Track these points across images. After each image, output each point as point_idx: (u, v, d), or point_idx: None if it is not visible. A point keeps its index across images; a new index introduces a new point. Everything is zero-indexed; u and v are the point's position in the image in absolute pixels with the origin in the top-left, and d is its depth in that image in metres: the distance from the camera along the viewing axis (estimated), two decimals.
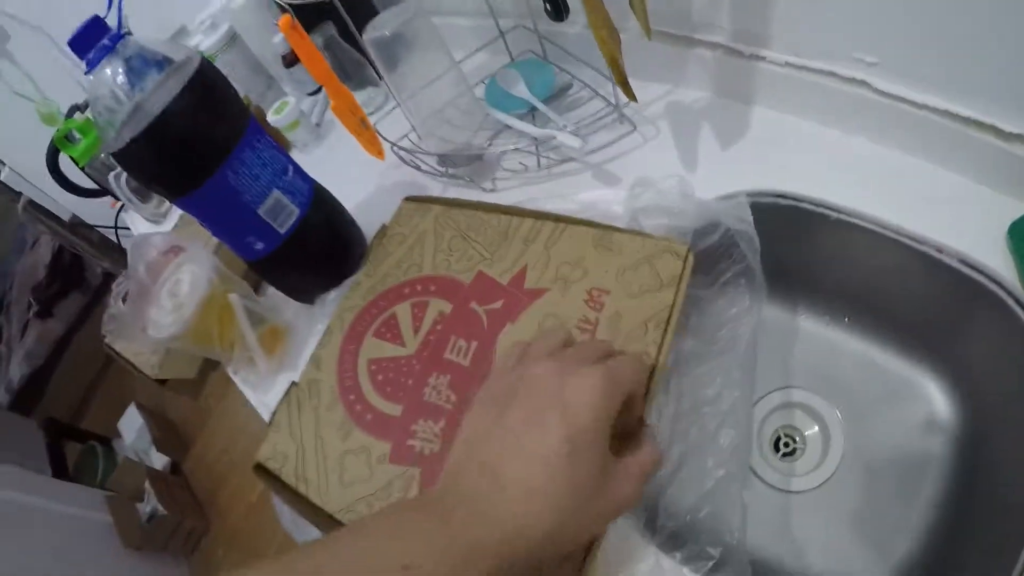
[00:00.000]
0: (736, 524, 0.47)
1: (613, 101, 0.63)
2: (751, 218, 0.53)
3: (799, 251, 0.62)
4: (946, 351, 0.60)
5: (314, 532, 0.55)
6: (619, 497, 0.33)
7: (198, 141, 0.51)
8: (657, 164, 0.62)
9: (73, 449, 2.04)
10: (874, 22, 0.48)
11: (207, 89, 0.52)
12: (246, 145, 0.54)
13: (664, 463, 0.49)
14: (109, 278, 2.32)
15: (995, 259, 0.49)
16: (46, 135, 1.04)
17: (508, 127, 0.68)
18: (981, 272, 0.50)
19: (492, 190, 0.68)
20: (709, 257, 0.53)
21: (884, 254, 0.56)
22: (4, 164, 1.42)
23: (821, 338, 0.68)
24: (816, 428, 0.66)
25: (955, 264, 0.51)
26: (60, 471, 1.95)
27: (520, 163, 0.67)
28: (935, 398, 0.61)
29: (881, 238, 0.55)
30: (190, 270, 0.65)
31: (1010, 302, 0.49)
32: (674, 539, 0.47)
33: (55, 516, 1.59)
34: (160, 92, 0.49)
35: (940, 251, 0.52)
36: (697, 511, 0.48)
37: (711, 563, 0.46)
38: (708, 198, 0.56)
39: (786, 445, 0.66)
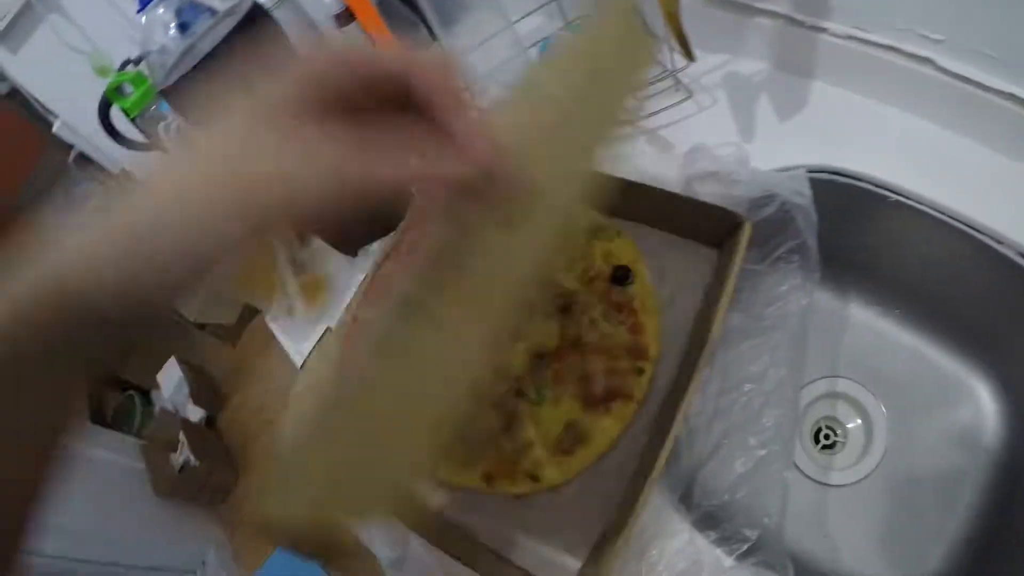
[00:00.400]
0: (775, 508, 0.45)
1: (669, 67, 0.60)
2: (810, 192, 0.51)
3: (853, 233, 0.60)
4: (1001, 353, 0.58)
5: None
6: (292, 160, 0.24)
7: None
8: (712, 133, 0.59)
9: (113, 398, 2.12)
10: None
11: (258, 31, 0.52)
12: None
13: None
14: None
15: None
16: (98, 89, 1.06)
17: None
18: None
19: None
20: (762, 230, 0.51)
21: (940, 241, 0.53)
22: (58, 117, 1.45)
23: (871, 328, 0.66)
24: (859, 422, 0.63)
25: (1014, 256, 0.49)
26: (99, 418, 2.03)
27: None
28: (984, 402, 0.58)
29: (938, 224, 0.52)
30: None
31: None
32: (709, 518, 0.46)
33: (90, 460, 1.65)
34: (211, 34, 0.50)
35: (1000, 242, 0.49)
36: (735, 491, 0.46)
37: (747, 545, 0.44)
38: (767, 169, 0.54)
39: (826, 437, 0.64)
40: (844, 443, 0.63)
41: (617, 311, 0.49)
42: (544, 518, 0.46)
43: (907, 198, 0.53)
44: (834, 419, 0.64)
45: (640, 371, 0.47)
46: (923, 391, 0.61)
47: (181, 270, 0.24)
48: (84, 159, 1.56)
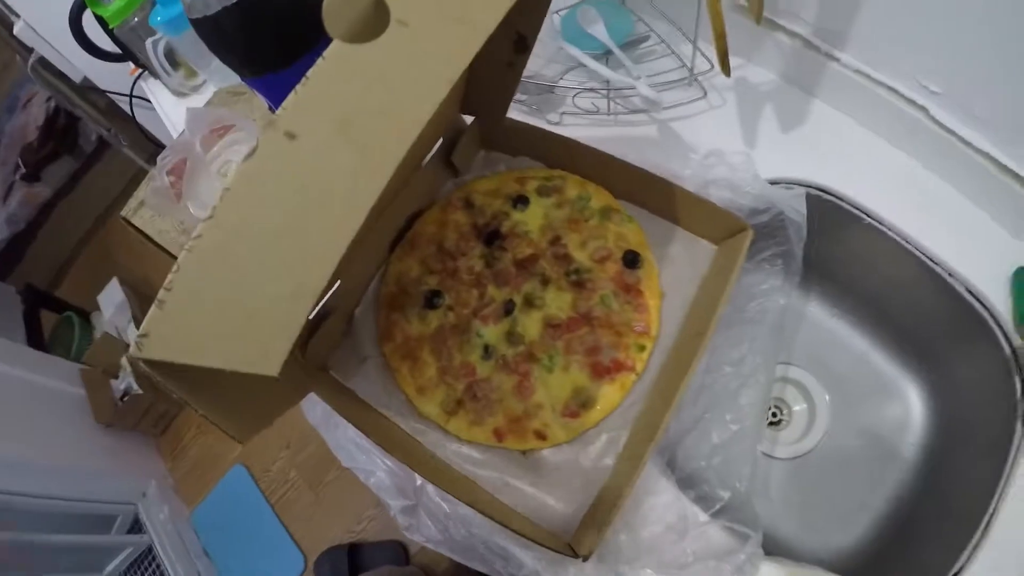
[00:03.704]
0: (746, 475, 0.52)
1: (689, 65, 0.64)
2: (805, 210, 0.57)
3: (825, 243, 0.65)
4: (934, 366, 0.66)
5: (344, 431, 0.58)
6: None
7: (297, 21, 0.50)
8: (718, 134, 0.64)
9: (49, 319, 2.02)
10: (948, 55, 0.51)
11: None
12: None
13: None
14: (103, 146, 2.24)
15: (997, 295, 0.54)
16: None
17: (580, 65, 0.68)
18: (982, 303, 0.55)
19: (558, 124, 0.69)
20: (754, 234, 0.56)
21: (901, 264, 0.60)
22: (19, 17, 1.34)
23: (825, 326, 0.74)
24: (805, 405, 0.71)
25: (961, 290, 0.56)
26: (35, 340, 1.93)
27: (592, 104, 0.68)
28: (913, 402, 0.67)
29: (902, 250, 0.59)
30: (242, 152, 0.64)
31: (1000, 337, 0.54)
32: (689, 480, 0.52)
33: (27, 385, 1.58)
34: None
35: (951, 275, 0.57)
36: (711, 458, 0.52)
37: (719, 504, 0.50)
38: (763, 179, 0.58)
39: (774, 415, 0.72)
40: (789, 422, 0.71)
41: (625, 291, 0.54)
42: (547, 472, 0.51)
43: (880, 223, 0.60)
44: (783, 400, 0.72)
45: (642, 347, 0.52)
46: (863, 386, 0.70)
47: None
48: (44, 65, 1.45)
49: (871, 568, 0.60)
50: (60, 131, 2.19)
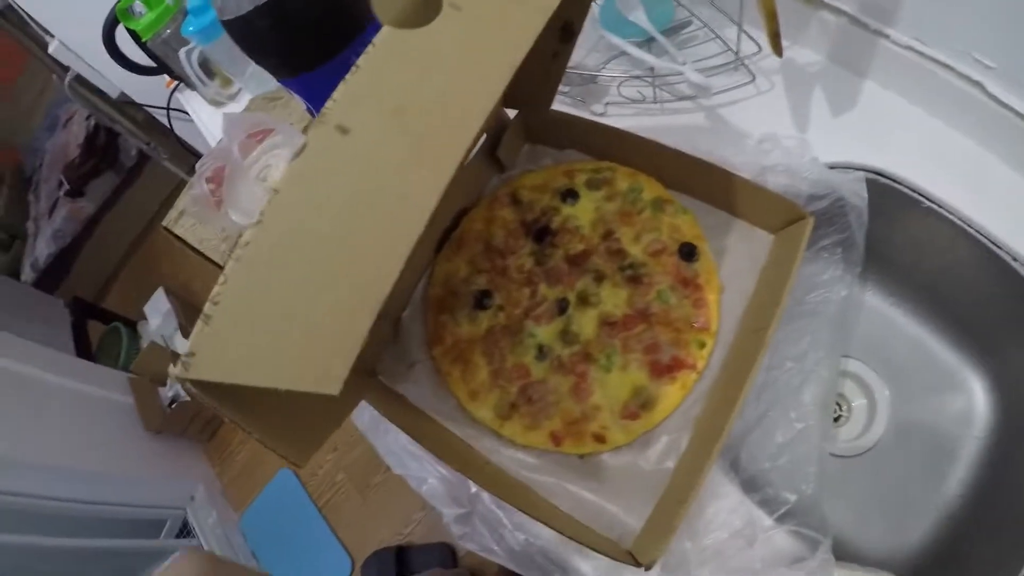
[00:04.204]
0: (812, 474, 0.49)
1: (735, 48, 0.61)
2: (866, 195, 0.54)
3: (882, 229, 0.62)
4: (996, 355, 0.63)
5: (394, 437, 0.57)
6: None
7: (331, 16, 0.49)
8: (768, 119, 0.62)
9: (97, 330, 2.08)
10: (1002, 28, 0.48)
11: None
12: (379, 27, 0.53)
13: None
14: (144, 160, 2.30)
15: None
16: (100, 9, 1.01)
17: (622, 53, 0.66)
18: None
19: (603, 114, 0.67)
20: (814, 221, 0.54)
21: (960, 249, 0.57)
22: (54, 37, 1.37)
23: (884, 316, 0.70)
24: (864, 400, 0.68)
25: None
26: (84, 351, 1.99)
27: (639, 92, 0.66)
28: (976, 395, 0.64)
29: (962, 233, 0.56)
30: (283, 156, 0.64)
31: None
32: (752, 482, 0.50)
33: (77, 395, 1.62)
34: None
35: (1015, 259, 0.54)
36: (776, 458, 0.50)
37: (785, 508, 0.48)
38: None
39: (834, 411, 0.69)
40: (849, 418, 0.68)
41: (683, 285, 0.52)
42: (606, 476, 0.49)
43: (939, 205, 0.57)
44: (842, 395, 0.69)
45: (702, 344, 0.50)
46: (923, 378, 0.66)
47: None
48: (81, 82, 1.49)
49: (935, 569, 0.58)
50: (101, 148, 2.25)
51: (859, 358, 0.69)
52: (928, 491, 0.62)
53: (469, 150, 0.54)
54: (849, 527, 0.62)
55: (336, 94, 0.27)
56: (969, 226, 0.55)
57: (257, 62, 0.56)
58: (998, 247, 0.54)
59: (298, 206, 0.26)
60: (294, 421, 0.34)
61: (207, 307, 0.26)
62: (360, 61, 0.27)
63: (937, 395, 0.65)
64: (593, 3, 0.69)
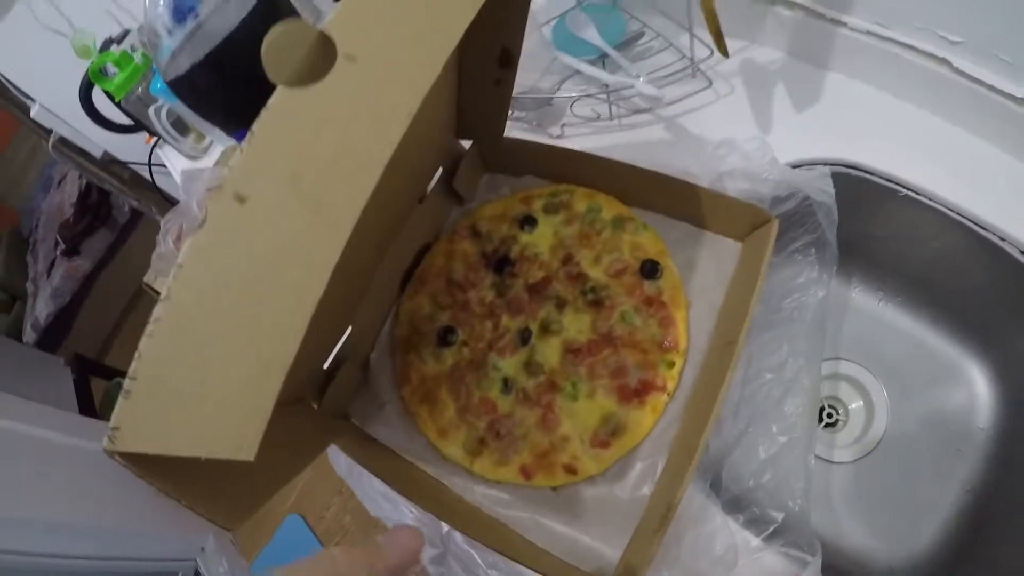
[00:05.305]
0: (799, 491, 0.47)
1: (689, 55, 0.61)
2: (833, 190, 0.52)
3: (861, 223, 0.62)
4: (995, 341, 0.61)
5: (368, 481, 0.56)
6: None
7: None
8: (730, 123, 0.61)
9: (100, 386, 2.08)
10: (963, 1, 0.47)
11: (276, 11, 0.50)
12: None
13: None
14: (137, 216, 2.32)
15: None
16: (77, 71, 1.02)
17: (576, 72, 0.65)
18: None
19: (560, 136, 0.66)
20: (781, 224, 0.53)
21: (946, 236, 0.56)
22: (35, 101, 1.39)
23: (873, 313, 0.69)
24: (861, 402, 0.66)
25: (1015, 254, 0.51)
26: (87, 407, 1.99)
27: (593, 110, 0.65)
28: (978, 386, 0.62)
29: (945, 219, 0.55)
30: None
31: None
32: (737, 502, 0.48)
33: (82, 452, 1.61)
34: (221, 15, 0.47)
35: (1003, 239, 0.52)
36: (760, 476, 0.48)
37: (773, 527, 0.46)
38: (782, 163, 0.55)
39: (829, 416, 0.67)
40: (846, 422, 0.66)
41: (647, 305, 0.50)
42: (582, 508, 0.47)
43: (917, 193, 0.55)
44: (837, 399, 0.67)
45: (671, 364, 0.49)
46: (921, 373, 0.64)
47: None
48: (64, 143, 1.50)
49: (946, 573, 0.56)
50: (94, 205, 2.28)
51: (851, 359, 0.68)
52: (935, 490, 0.59)
53: (413, 190, 0.53)
54: (854, 535, 0.60)
55: (232, 162, 0.27)
56: (951, 210, 0.54)
57: (204, 118, 0.56)
58: (984, 228, 0.53)
59: (202, 279, 0.26)
60: (233, 483, 0.34)
61: (126, 382, 0.26)
62: (255, 127, 0.27)
63: (937, 389, 0.63)
64: (545, 27, 0.69)
